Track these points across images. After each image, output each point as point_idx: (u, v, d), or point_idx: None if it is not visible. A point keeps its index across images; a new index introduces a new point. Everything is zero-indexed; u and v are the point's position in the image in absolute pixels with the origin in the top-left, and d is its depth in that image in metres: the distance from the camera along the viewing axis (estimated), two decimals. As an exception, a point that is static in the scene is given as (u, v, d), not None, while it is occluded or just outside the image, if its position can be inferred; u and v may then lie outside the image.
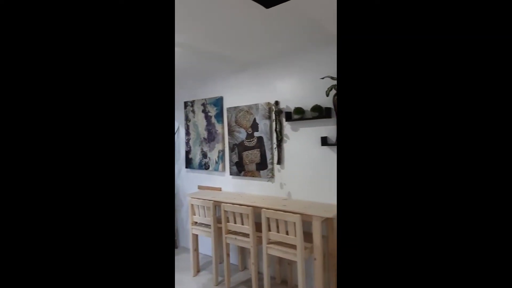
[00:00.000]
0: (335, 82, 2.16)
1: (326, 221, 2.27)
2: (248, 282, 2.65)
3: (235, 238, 2.44)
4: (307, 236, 2.19)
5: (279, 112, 2.58)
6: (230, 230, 2.51)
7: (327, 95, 2.17)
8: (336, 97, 2.14)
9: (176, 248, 3.54)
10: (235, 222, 2.43)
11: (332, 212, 2.06)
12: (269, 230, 2.22)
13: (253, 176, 2.80)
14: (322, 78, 2.26)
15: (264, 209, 2.20)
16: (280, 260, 2.63)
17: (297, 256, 2.06)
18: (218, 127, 3.08)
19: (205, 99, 3.20)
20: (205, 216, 2.65)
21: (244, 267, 2.93)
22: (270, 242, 2.23)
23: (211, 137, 3.16)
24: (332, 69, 2.24)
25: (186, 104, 3.39)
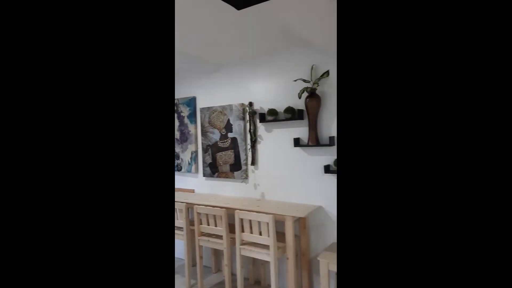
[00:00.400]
0: (307, 85, 2.22)
1: (298, 220, 2.32)
2: (221, 284, 2.63)
3: (208, 240, 2.41)
4: (280, 236, 2.22)
5: (253, 113, 2.59)
6: (203, 232, 2.47)
7: (300, 97, 2.22)
8: (308, 99, 2.19)
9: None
10: (208, 224, 2.40)
11: (304, 212, 2.10)
12: (243, 231, 2.22)
13: (227, 177, 2.78)
14: (295, 81, 2.31)
15: (238, 210, 2.20)
16: (254, 260, 2.65)
17: (270, 256, 2.08)
18: (191, 127, 3.03)
19: (178, 99, 3.13)
20: (178, 219, 2.59)
21: (218, 269, 2.90)
22: (243, 243, 2.23)
23: (183, 137, 3.10)
24: (304, 72, 2.29)
25: (157, 103, 3.30)
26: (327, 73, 2.15)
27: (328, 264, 1.94)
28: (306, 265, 2.32)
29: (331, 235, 2.27)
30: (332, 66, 2.18)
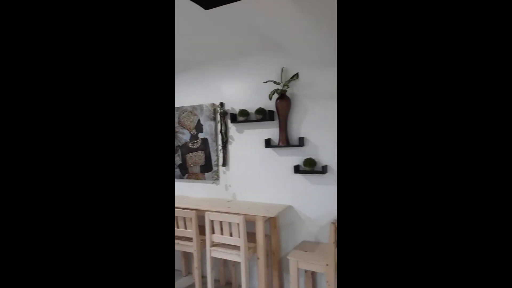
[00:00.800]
0: (277, 86, 2.25)
1: (269, 220, 2.35)
2: (192, 287, 2.59)
3: (178, 243, 2.36)
4: (251, 236, 2.23)
5: (224, 114, 2.57)
6: (172, 235, 2.41)
7: (270, 98, 2.24)
8: (278, 100, 2.23)
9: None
10: (177, 227, 2.35)
11: (275, 212, 2.13)
12: (213, 232, 2.20)
13: (197, 179, 2.74)
14: (265, 82, 2.33)
15: (208, 212, 2.17)
16: (224, 262, 2.63)
17: (240, 257, 2.08)
18: (160, 127, 2.94)
19: (146, 98, 3.02)
20: (145, 222, 2.50)
21: (188, 272, 2.85)
22: (214, 245, 2.21)
23: (152, 138, 3.00)
24: (274, 73, 2.33)
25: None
26: (296, 75, 2.20)
27: (297, 262, 1.98)
28: (277, 264, 2.36)
29: (301, 233, 2.33)
30: (301, 69, 2.23)
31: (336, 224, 1.80)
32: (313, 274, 2.26)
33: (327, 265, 1.86)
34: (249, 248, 2.12)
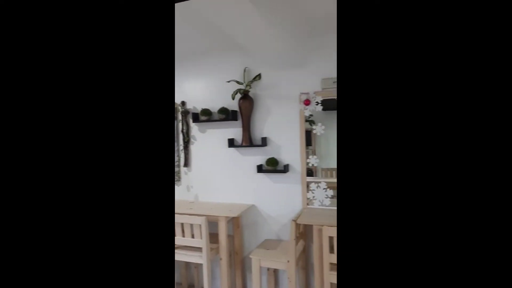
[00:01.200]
0: (240, 86, 2.26)
1: (232, 220, 2.34)
2: (151, 292, 2.48)
3: (136, 248, 2.25)
4: (214, 236, 2.21)
5: (185, 113, 2.52)
6: (130, 239, 2.30)
7: (233, 98, 2.24)
8: (241, 100, 2.24)
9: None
10: (136, 230, 2.24)
11: (237, 211, 2.14)
12: (174, 235, 2.14)
13: (158, 180, 2.64)
14: (228, 82, 2.32)
15: (169, 214, 2.11)
16: (186, 264, 2.57)
17: (202, 259, 2.05)
18: (117, 126, 2.79)
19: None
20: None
21: (148, 277, 2.73)
22: (175, 248, 2.15)
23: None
24: (237, 73, 2.33)
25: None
26: (259, 76, 2.23)
27: (259, 261, 2.01)
28: (240, 263, 2.36)
29: (263, 232, 2.36)
30: (263, 70, 2.26)
31: (296, 221, 1.86)
32: (275, 271, 2.30)
33: (288, 261, 1.91)
34: (211, 249, 2.10)
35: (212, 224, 2.18)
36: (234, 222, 2.35)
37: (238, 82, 2.26)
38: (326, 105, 2.12)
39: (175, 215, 2.09)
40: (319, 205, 2.14)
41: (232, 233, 2.37)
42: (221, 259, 2.10)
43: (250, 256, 2.04)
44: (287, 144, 2.25)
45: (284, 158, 2.26)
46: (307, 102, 2.12)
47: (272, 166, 2.22)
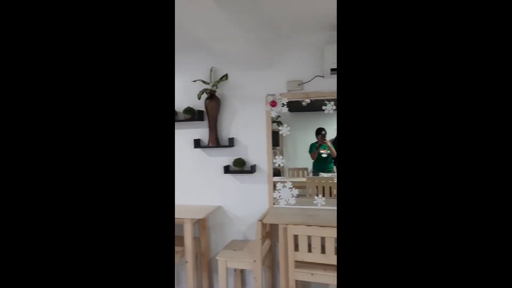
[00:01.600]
0: (206, 86, 2.23)
1: (198, 222, 2.31)
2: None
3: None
4: (179, 239, 2.16)
5: (150, 113, 2.42)
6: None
7: (199, 98, 2.21)
8: (207, 100, 2.21)
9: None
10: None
11: (204, 213, 2.11)
12: (137, 239, 2.05)
13: (119, 182, 2.52)
14: (194, 81, 2.28)
15: (131, 218, 2.02)
16: (151, 269, 2.48)
17: (167, 262, 1.99)
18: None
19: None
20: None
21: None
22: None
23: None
24: (203, 73, 2.30)
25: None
26: (225, 76, 2.22)
27: (226, 262, 2.00)
28: (206, 265, 2.34)
29: (230, 233, 2.35)
30: (230, 70, 2.25)
31: (262, 221, 1.88)
32: (242, 271, 2.31)
33: (254, 261, 1.92)
34: (177, 252, 2.05)
35: (178, 227, 2.13)
36: (201, 224, 2.31)
37: (204, 82, 2.23)
38: (292, 107, 2.17)
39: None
40: (285, 205, 2.19)
41: (199, 235, 2.33)
42: (186, 262, 2.06)
43: (217, 258, 2.02)
44: (254, 145, 2.26)
45: (251, 158, 2.27)
46: (273, 104, 2.15)
47: (239, 167, 2.23)
